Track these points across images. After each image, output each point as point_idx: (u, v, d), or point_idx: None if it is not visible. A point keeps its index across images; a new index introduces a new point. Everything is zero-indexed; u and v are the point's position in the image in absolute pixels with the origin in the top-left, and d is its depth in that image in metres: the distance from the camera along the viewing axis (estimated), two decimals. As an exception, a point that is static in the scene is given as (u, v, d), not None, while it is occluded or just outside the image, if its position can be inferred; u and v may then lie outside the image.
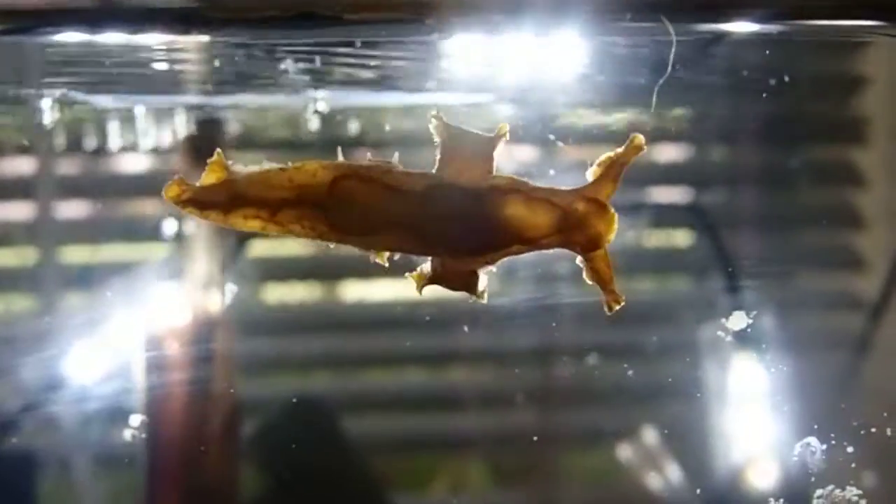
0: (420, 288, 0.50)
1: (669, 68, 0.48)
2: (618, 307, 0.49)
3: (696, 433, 0.80)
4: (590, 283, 0.48)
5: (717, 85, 0.72)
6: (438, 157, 0.47)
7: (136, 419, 0.75)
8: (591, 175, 0.48)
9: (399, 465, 0.87)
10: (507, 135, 0.47)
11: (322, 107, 0.60)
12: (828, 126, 0.83)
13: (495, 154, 0.47)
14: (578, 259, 0.49)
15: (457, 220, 0.46)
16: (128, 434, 0.75)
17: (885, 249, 0.86)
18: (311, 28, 0.47)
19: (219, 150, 0.49)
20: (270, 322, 0.85)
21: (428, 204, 0.46)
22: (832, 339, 0.84)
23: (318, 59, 0.55)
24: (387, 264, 0.49)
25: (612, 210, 0.47)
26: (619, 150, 0.47)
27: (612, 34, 0.52)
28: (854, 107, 0.82)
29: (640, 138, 0.47)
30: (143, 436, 0.75)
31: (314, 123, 0.72)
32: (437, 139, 0.47)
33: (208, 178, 0.49)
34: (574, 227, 0.47)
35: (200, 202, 0.49)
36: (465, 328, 0.80)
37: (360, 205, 0.47)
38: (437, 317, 0.80)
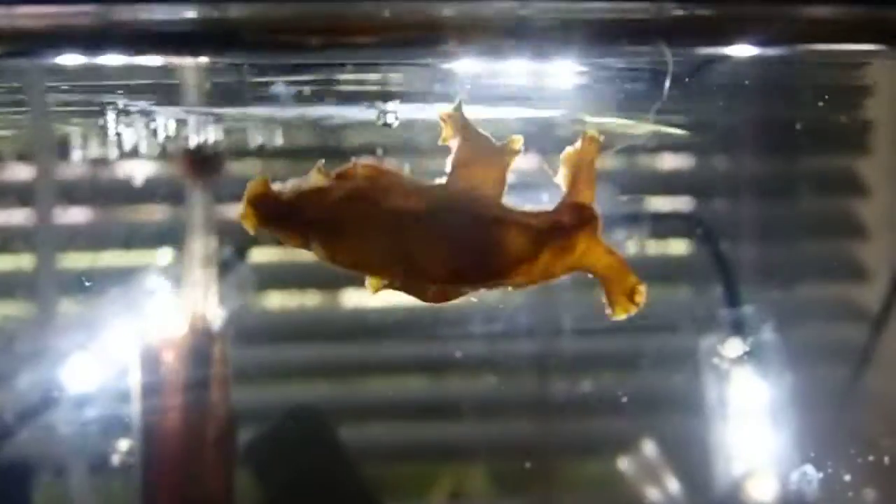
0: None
1: (665, 92, 0.48)
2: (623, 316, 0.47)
3: (695, 446, 0.80)
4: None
5: (718, 94, 0.72)
6: (452, 161, 0.44)
7: (132, 428, 0.75)
8: (561, 178, 0.45)
9: (397, 474, 0.87)
10: (521, 150, 0.45)
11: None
12: (829, 136, 0.82)
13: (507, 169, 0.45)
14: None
15: (459, 250, 0.44)
16: (124, 443, 0.75)
17: (887, 259, 0.86)
18: (307, 50, 0.47)
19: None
20: (269, 330, 0.85)
21: (429, 230, 0.44)
22: (833, 350, 0.84)
23: (312, 76, 0.55)
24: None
25: (593, 207, 0.45)
26: (577, 146, 0.45)
27: (611, 56, 0.52)
28: (856, 116, 0.81)
29: (593, 132, 0.45)
30: (140, 445, 0.74)
31: (314, 137, 0.72)
32: (451, 139, 0.44)
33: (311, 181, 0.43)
34: (564, 235, 0.45)
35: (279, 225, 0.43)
36: (465, 337, 0.79)
37: (361, 232, 0.44)
38: (436, 325, 0.80)
